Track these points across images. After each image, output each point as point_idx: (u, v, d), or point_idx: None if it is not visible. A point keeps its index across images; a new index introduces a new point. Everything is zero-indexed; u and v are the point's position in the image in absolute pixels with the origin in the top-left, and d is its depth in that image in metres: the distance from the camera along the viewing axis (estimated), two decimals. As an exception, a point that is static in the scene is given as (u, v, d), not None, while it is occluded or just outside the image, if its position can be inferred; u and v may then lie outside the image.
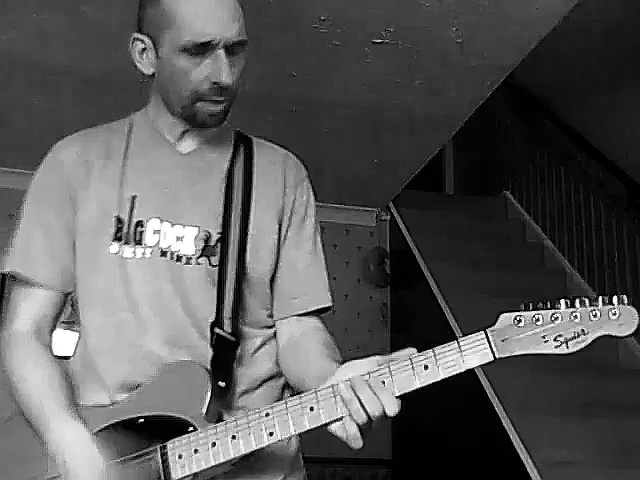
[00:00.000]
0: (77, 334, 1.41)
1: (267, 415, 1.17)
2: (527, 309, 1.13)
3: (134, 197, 1.37)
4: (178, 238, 1.36)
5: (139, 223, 1.36)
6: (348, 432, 1.13)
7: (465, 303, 4.16)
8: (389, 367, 1.14)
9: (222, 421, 1.23)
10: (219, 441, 1.19)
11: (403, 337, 4.86)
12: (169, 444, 1.23)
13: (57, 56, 3.31)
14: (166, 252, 1.35)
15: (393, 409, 1.12)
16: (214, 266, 1.35)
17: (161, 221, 1.36)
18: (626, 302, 1.10)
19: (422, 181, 4.86)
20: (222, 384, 1.29)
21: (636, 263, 4.12)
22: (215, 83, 1.31)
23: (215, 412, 1.27)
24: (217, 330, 1.32)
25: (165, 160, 1.42)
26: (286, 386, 1.43)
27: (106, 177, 1.39)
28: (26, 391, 1.31)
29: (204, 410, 1.25)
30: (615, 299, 1.10)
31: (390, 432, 4.70)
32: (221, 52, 1.30)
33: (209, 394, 1.26)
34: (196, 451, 1.21)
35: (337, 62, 3.32)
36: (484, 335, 1.13)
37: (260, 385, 1.38)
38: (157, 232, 1.36)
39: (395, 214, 5.18)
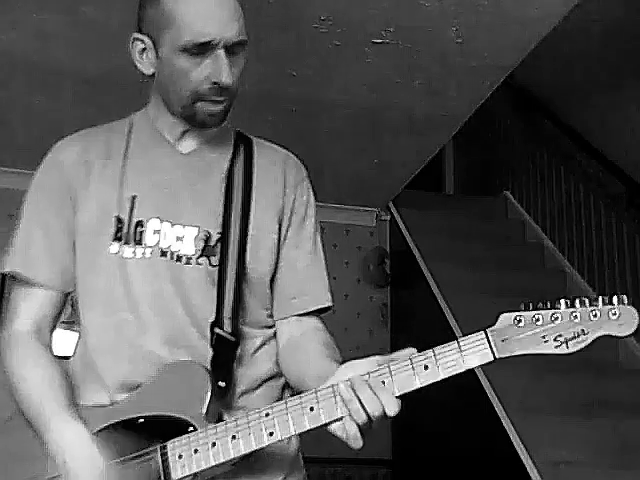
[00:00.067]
0: (77, 334, 1.41)
1: (267, 415, 1.17)
2: (527, 309, 1.13)
3: (134, 197, 1.37)
4: (178, 238, 1.36)
5: (139, 223, 1.36)
6: (348, 432, 1.13)
7: (465, 303, 4.16)
8: (389, 367, 1.14)
9: (222, 421, 1.23)
10: (219, 441, 1.19)
11: (403, 337, 4.86)
12: (169, 444, 1.23)
13: (57, 56, 3.31)
14: (166, 252, 1.35)
15: (393, 409, 1.12)
16: (214, 266, 1.35)
17: (161, 221, 1.36)
18: (626, 302, 1.10)
19: (422, 181, 4.86)
20: (222, 384, 1.29)
21: (636, 263, 4.12)
22: (215, 83, 1.31)
23: (215, 412, 1.27)
24: (217, 330, 1.32)
25: (165, 160, 1.42)
26: (286, 386, 1.43)
27: (106, 177, 1.39)
28: (26, 391, 1.31)
29: (204, 410, 1.25)
30: (615, 299, 1.10)
31: (390, 432, 4.70)
32: (221, 52, 1.30)
33: (209, 394, 1.26)
34: (196, 451, 1.21)
35: (337, 62, 3.32)
36: (484, 335, 1.13)
37: (260, 385, 1.38)
38: (157, 232, 1.36)
39: (395, 214, 5.18)
